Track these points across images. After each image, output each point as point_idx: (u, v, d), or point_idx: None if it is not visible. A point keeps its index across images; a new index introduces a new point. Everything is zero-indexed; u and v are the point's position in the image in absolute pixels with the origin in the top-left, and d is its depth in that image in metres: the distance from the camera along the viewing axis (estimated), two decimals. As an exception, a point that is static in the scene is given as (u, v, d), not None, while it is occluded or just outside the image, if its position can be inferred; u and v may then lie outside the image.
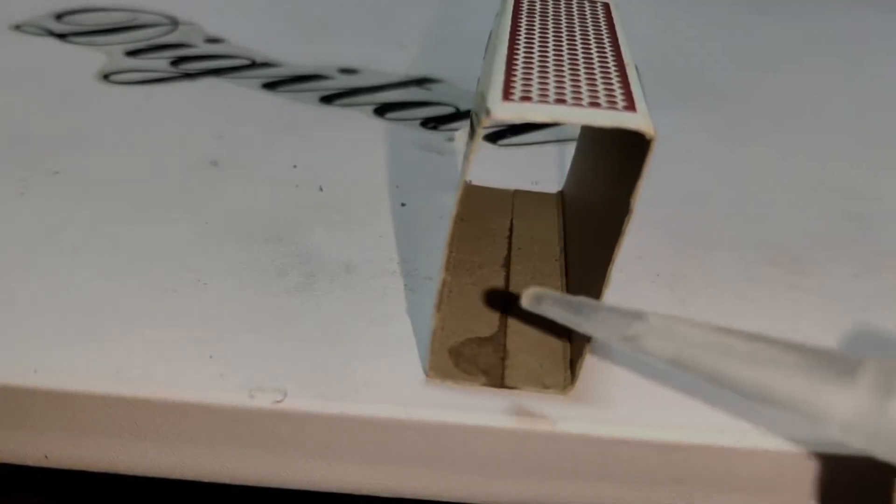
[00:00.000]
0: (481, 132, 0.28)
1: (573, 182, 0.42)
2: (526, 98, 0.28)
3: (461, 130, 0.51)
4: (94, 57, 0.58)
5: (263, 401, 0.31)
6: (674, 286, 0.38)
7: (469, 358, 0.33)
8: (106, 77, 0.55)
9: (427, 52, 0.62)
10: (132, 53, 0.59)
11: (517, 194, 0.43)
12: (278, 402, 0.31)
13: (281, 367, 0.32)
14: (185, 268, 0.37)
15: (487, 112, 0.28)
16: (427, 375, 0.32)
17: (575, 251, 0.37)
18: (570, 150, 0.44)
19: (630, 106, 0.28)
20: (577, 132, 0.43)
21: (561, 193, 0.43)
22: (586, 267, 0.34)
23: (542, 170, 0.46)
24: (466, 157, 0.29)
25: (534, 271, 0.37)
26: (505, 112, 0.28)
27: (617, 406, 0.31)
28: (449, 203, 0.43)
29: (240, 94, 0.54)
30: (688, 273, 0.39)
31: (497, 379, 0.32)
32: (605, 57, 0.32)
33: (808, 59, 0.65)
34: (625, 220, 0.29)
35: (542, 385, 0.32)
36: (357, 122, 0.52)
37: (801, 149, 0.51)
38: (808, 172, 0.49)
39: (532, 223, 0.41)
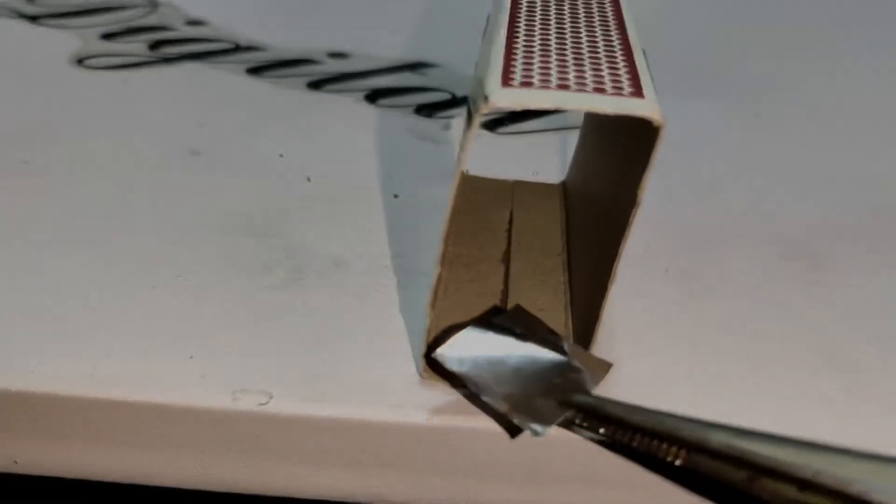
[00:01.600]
0: (479, 120, 0.28)
1: (576, 172, 0.42)
2: (527, 84, 0.28)
3: (458, 118, 0.51)
4: (67, 40, 0.58)
5: (247, 403, 0.31)
6: (683, 282, 0.38)
7: None
8: (80, 62, 0.55)
9: (422, 35, 0.62)
10: (108, 37, 0.59)
11: (517, 185, 0.43)
12: (263, 404, 0.31)
13: (266, 368, 0.32)
14: (164, 263, 0.37)
15: (485, 98, 0.27)
16: (421, 376, 0.32)
17: (578, 246, 0.38)
18: (573, 138, 0.44)
19: (637, 92, 0.28)
20: (580, 120, 0.44)
21: (563, 184, 0.44)
22: (590, 262, 0.34)
23: (544, 159, 0.46)
24: (463, 147, 0.29)
25: (535, 266, 0.38)
26: (504, 98, 0.28)
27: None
28: (445, 194, 0.43)
29: (222, 79, 0.54)
30: (699, 269, 0.39)
31: None
32: (611, 40, 0.32)
33: (832, 42, 0.65)
34: (632, 212, 0.29)
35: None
36: (347, 108, 0.52)
37: (823, 137, 0.51)
38: (830, 162, 0.49)
39: (533, 216, 0.41)
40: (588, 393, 0.30)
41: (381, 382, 0.32)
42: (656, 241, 0.40)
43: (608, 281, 0.30)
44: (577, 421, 0.30)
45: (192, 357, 0.33)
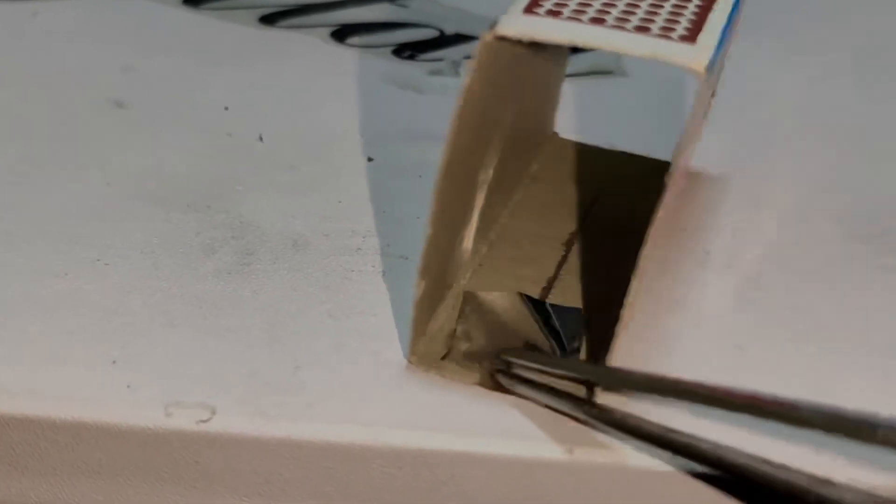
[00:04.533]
0: (478, 49, 0.28)
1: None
2: (555, 12, 0.28)
3: (448, 61, 0.50)
4: (-41, -38, 0.57)
5: (184, 420, 0.31)
6: (728, 268, 0.38)
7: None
8: (-25, -11, 0.54)
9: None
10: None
11: (620, 157, 0.43)
12: (204, 421, 0.31)
13: (207, 376, 0.32)
14: (80, 243, 0.37)
15: (493, 25, 0.28)
16: (408, 361, 0.32)
17: None
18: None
19: (690, 36, 0.28)
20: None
21: None
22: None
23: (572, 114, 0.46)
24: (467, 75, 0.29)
25: (602, 258, 0.37)
26: (510, 27, 0.28)
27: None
28: (432, 157, 0.42)
29: (153, 12, 0.54)
30: (746, 251, 0.39)
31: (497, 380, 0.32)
32: None
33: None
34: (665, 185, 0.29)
35: None
36: (309, 49, 0.51)
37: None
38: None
39: (628, 197, 0.40)
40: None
41: (351, 394, 0.32)
42: (694, 216, 0.40)
43: (632, 272, 0.30)
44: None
45: (114, 362, 0.32)
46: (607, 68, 0.48)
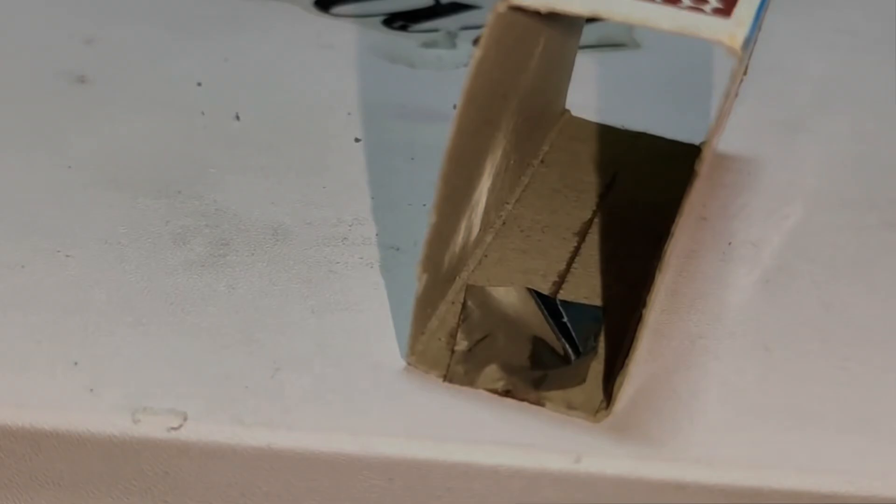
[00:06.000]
0: (491, 19, 0.28)
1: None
2: None
3: (444, 32, 0.50)
4: None
5: (153, 427, 0.31)
6: (752, 260, 0.38)
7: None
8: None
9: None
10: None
11: (639, 139, 0.43)
12: (174, 429, 0.31)
13: (178, 379, 0.32)
14: (38, 233, 0.37)
15: None
16: (407, 361, 0.32)
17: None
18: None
19: (724, 10, 0.28)
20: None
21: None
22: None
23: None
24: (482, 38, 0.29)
25: (616, 250, 0.37)
26: None
27: (665, 439, 0.31)
28: (425, 138, 0.42)
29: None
30: (774, 240, 0.39)
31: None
32: None
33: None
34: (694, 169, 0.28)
35: (567, 405, 0.32)
36: (290, 19, 0.51)
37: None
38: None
39: (644, 183, 0.40)
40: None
41: (335, 399, 0.32)
42: (715, 203, 0.40)
43: (657, 267, 0.30)
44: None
45: (76, 364, 0.32)
46: (619, 40, 0.48)
